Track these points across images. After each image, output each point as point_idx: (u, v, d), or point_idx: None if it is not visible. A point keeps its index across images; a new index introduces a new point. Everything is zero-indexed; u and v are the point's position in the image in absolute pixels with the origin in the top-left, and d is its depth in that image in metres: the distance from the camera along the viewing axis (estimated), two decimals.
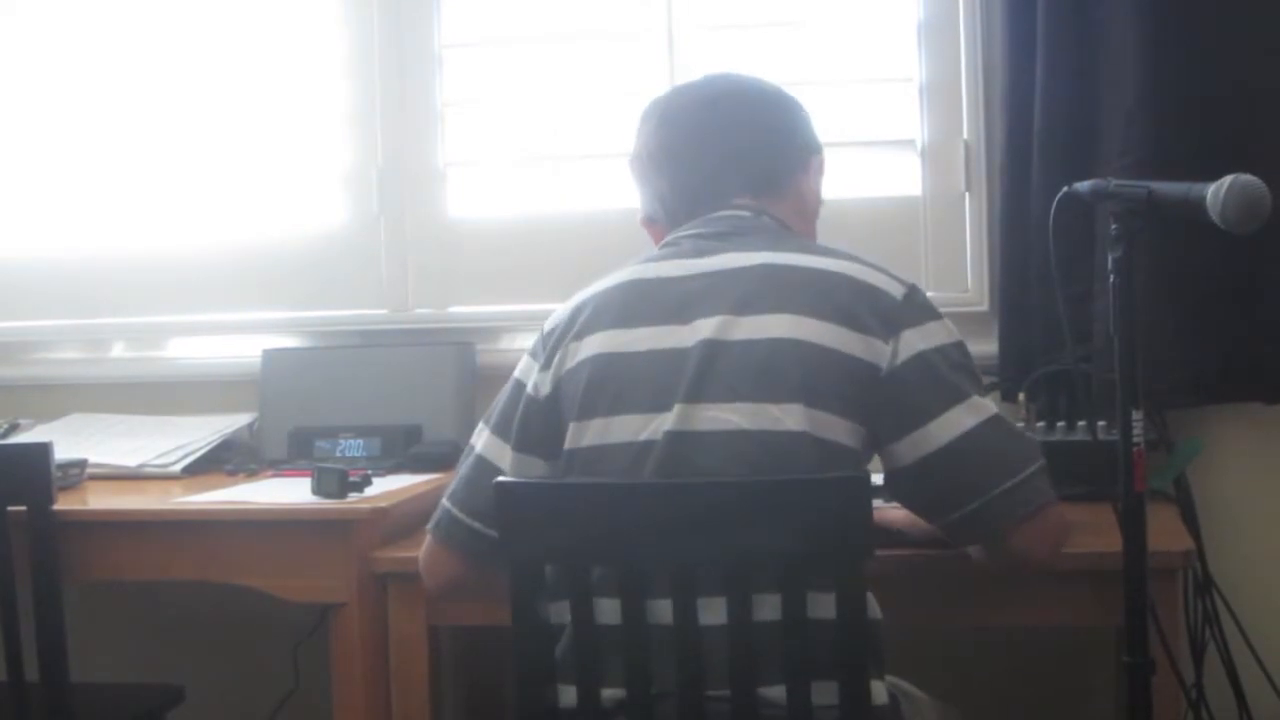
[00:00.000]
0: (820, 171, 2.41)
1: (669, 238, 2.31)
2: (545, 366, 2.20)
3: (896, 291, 2.14)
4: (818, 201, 2.41)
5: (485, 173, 3.61)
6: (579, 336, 2.18)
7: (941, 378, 2.10)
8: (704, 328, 2.11)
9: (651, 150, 2.35)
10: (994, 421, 2.12)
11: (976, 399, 2.12)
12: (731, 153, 2.31)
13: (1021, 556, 2.17)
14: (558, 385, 2.18)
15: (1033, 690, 3.27)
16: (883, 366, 2.08)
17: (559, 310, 2.27)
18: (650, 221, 2.39)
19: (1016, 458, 2.13)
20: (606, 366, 2.14)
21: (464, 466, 2.28)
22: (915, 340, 2.10)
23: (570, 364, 2.17)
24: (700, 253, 2.21)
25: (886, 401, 2.08)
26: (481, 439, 2.27)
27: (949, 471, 2.10)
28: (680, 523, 1.98)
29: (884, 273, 2.17)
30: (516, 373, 2.27)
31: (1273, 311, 3.00)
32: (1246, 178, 2.04)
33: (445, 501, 2.29)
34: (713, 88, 2.39)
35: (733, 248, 2.19)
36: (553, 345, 2.21)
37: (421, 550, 2.34)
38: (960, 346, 2.16)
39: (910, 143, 3.35)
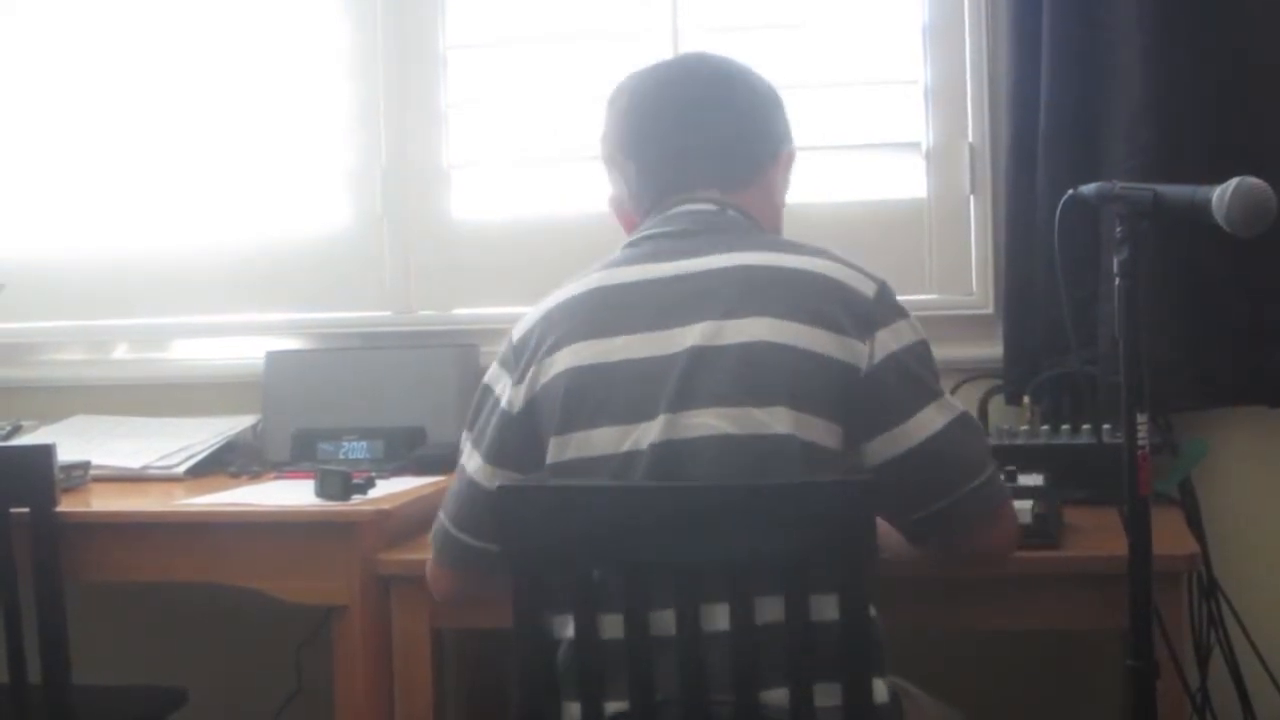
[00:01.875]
0: (790, 163, 2.38)
1: (631, 238, 2.28)
2: (518, 381, 2.18)
3: (868, 290, 2.13)
4: (785, 194, 2.39)
5: (489, 174, 3.60)
6: (551, 350, 2.15)
7: (915, 377, 2.11)
8: (690, 335, 2.09)
9: (619, 133, 2.33)
10: (961, 419, 2.14)
11: (946, 397, 2.15)
12: (699, 139, 2.28)
13: (984, 553, 2.23)
14: (531, 401, 2.16)
15: (1036, 693, 3.26)
16: (861, 367, 2.07)
17: (526, 318, 2.24)
18: (617, 203, 2.37)
19: (982, 456, 2.17)
20: (583, 379, 2.12)
21: (455, 480, 2.28)
22: (888, 341, 2.10)
23: (544, 379, 2.15)
24: (667, 255, 2.19)
25: (863, 401, 2.08)
26: (465, 451, 2.26)
27: (921, 470, 2.11)
28: (683, 526, 1.97)
29: (855, 269, 2.16)
30: (488, 380, 2.24)
31: (1278, 314, 3.00)
32: (1252, 181, 2.04)
33: (439, 514, 2.29)
34: (683, 70, 2.37)
35: (702, 249, 2.17)
36: (526, 359, 2.18)
37: (427, 564, 2.33)
38: (925, 344, 2.16)
39: (915, 145, 3.35)
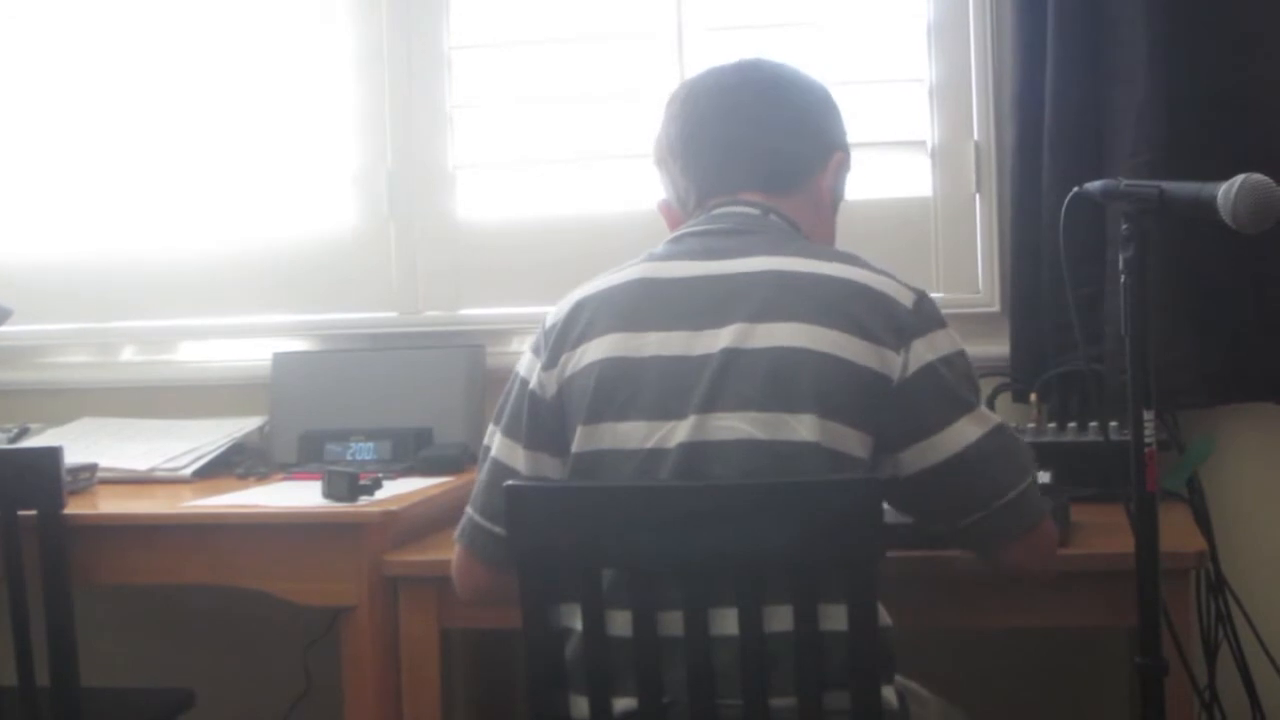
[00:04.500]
0: (842, 170, 2.36)
1: (674, 234, 2.28)
2: (549, 366, 2.17)
3: (907, 300, 2.11)
4: (836, 200, 2.38)
5: (495, 175, 3.61)
6: (584, 338, 2.15)
7: (949, 389, 2.08)
8: (723, 336, 2.08)
9: (670, 135, 2.32)
10: (997, 432, 2.11)
11: (982, 409, 2.12)
12: (746, 143, 2.27)
13: (1016, 569, 2.20)
14: (562, 389, 2.15)
15: (1044, 692, 3.26)
16: (894, 377, 2.05)
17: (559, 305, 2.23)
18: (666, 206, 2.37)
19: (1017, 470, 2.13)
20: (615, 370, 2.11)
21: (482, 471, 2.26)
22: (924, 351, 2.07)
23: (576, 367, 2.14)
24: (709, 254, 2.18)
25: (896, 411, 2.06)
26: (495, 442, 2.24)
27: (953, 482, 2.09)
28: (690, 526, 1.97)
29: (893, 279, 2.14)
30: (520, 369, 2.23)
31: None
32: (1257, 177, 2.03)
33: (468, 508, 2.27)
34: (738, 75, 2.34)
35: (741, 251, 2.16)
36: (554, 345, 2.18)
37: (452, 560, 2.31)
38: (963, 355, 2.14)
39: (921, 143, 3.35)
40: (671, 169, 2.33)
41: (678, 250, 2.22)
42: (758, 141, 2.28)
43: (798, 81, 2.35)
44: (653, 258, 2.23)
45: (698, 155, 2.29)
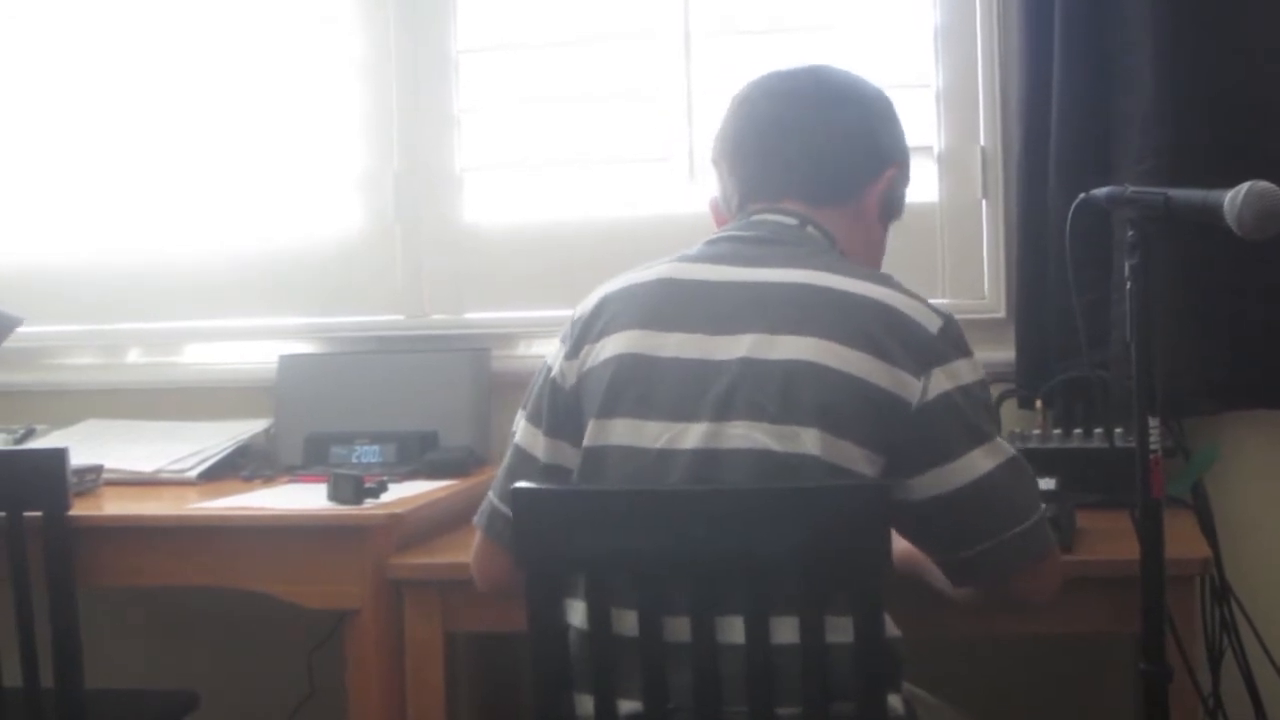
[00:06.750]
0: (897, 183, 2.33)
1: (712, 236, 2.27)
2: (571, 356, 2.18)
3: (932, 325, 2.08)
4: (890, 214, 2.34)
5: (501, 178, 3.61)
6: (605, 332, 2.15)
7: (966, 419, 2.07)
8: (740, 345, 2.07)
9: (724, 137, 2.32)
10: (1010, 464, 2.09)
11: (997, 441, 2.10)
12: (790, 151, 2.25)
13: (1022, 599, 2.20)
14: (581, 380, 2.15)
15: (1049, 697, 3.26)
16: (912, 402, 2.03)
17: (588, 298, 2.23)
18: (715, 205, 2.37)
19: (1027, 503, 2.12)
20: (632, 367, 2.11)
21: (506, 456, 2.26)
22: (944, 380, 2.05)
23: (595, 360, 2.14)
24: (739, 260, 2.17)
25: (910, 436, 2.04)
26: (519, 427, 2.25)
27: (962, 512, 2.08)
28: (697, 530, 1.97)
29: (922, 303, 2.11)
30: (547, 357, 2.24)
31: None
32: (1263, 184, 2.03)
33: (489, 493, 2.27)
34: (794, 81, 2.32)
35: (772, 260, 2.15)
36: (578, 336, 2.18)
37: (472, 548, 2.31)
38: (984, 385, 2.13)
39: (927, 149, 3.33)
40: (721, 169, 2.33)
41: (709, 253, 2.22)
42: (803, 150, 2.26)
43: (854, 91, 2.33)
44: (684, 258, 2.22)
45: (744, 159, 2.29)
